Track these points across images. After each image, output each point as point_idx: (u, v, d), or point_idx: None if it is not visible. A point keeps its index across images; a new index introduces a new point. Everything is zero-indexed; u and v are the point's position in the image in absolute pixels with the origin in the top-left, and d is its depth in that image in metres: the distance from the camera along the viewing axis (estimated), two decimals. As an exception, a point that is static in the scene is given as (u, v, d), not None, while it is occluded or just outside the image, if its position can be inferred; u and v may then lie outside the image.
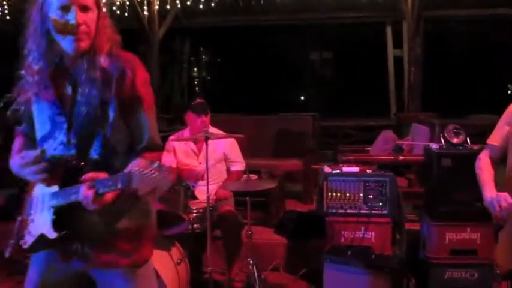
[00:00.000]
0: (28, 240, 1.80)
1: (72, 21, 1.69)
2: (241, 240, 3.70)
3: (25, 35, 1.80)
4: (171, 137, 3.78)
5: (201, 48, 12.53)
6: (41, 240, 1.76)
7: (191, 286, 3.49)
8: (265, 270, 4.21)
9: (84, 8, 1.73)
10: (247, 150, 6.21)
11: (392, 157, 4.55)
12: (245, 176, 3.67)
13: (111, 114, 1.77)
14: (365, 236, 3.71)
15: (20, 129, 1.92)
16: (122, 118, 1.79)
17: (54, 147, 1.80)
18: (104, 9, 1.83)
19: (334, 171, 3.84)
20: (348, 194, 3.76)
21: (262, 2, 7.95)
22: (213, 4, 8.07)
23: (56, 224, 1.74)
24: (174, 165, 4.12)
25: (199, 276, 3.83)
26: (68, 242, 1.79)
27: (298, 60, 11.37)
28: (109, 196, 1.63)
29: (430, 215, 3.70)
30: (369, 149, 5.17)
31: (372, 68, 9.83)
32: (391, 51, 8.96)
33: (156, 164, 1.48)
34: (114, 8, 8.20)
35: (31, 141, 1.90)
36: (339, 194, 3.78)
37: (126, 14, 8.25)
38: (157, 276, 3.06)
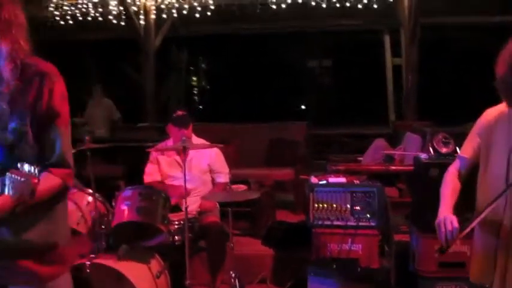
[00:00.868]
0: None
1: None
2: (226, 251, 3.62)
3: None
4: (152, 148, 3.70)
5: (200, 57, 12.51)
6: None
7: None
8: (252, 283, 4.13)
9: None
10: (238, 159, 6.15)
11: (382, 167, 4.46)
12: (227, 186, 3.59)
13: (19, 123, 1.68)
14: (352, 248, 3.63)
15: None
16: (33, 130, 1.70)
17: None
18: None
19: (320, 182, 3.77)
20: (334, 205, 3.68)
21: (258, 11, 7.91)
22: (209, 13, 8.05)
23: None
24: (158, 177, 4.06)
25: None
26: None
27: (296, 68, 11.33)
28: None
29: (417, 226, 3.60)
30: (360, 158, 5.09)
31: (370, 75, 9.77)
32: (389, 59, 8.90)
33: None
34: (110, 17, 8.22)
35: None
36: (325, 205, 3.70)
37: (122, 24, 8.24)
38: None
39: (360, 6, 7.45)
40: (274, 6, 7.75)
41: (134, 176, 4.53)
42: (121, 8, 7.89)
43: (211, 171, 4.13)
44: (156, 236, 3.30)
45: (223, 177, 4.12)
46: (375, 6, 7.40)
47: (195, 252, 3.79)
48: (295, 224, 4.41)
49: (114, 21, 8.22)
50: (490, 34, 7.56)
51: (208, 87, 13.00)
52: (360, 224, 3.62)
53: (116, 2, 7.93)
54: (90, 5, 8.14)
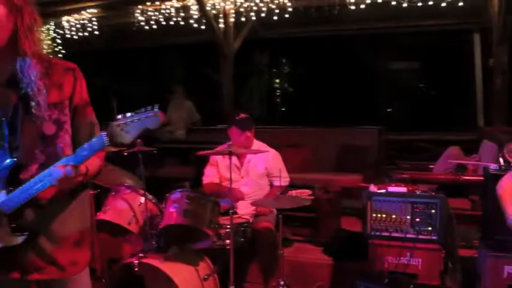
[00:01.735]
0: None
1: None
2: (277, 257, 3.53)
3: None
4: (200, 152, 3.68)
5: (283, 59, 12.50)
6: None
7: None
8: (307, 291, 4.02)
9: None
10: (308, 163, 6.05)
11: (451, 177, 4.14)
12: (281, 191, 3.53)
13: (59, 117, 1.83)
14: (411, 262, 3.41)
15: None
16: (71, 120, 1.86)
17: None
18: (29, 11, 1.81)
19: (379, 191, 3.58)
20: (393, 216, 3.49)
21: (336, 12, 7.71)
22: (287, 15, 7.99)
23: (15, 229, 1.77)
24: (216, 179, 4.09)
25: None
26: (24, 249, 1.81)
27: (379, 71, 10.93)
28: (83, 167, 1.72)
29: (486, 243, 3.30)
30: (432, 166, 4.77)
31: (458, 78, 9.18)
32: (478, 60, 8.30)
33: (130, 114, 1.61)
34: (191, 21, 8.43)
35: None
36: (384, 216, 3.51)
37: (202, 27, 8.41)
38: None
39: (443, 4, 6.99)
40: (352, 7, 7.51)
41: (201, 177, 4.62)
42: (201, 12, 8.05)
43: (268, 175, 4.08)
44: (204, 240, 3.30)
45: (281, 181, 4.05)
46: (461, 4, 6.91)
47: (247, 257, 3.76)
48: (355, 233, 4.22)
49: (195, 25, 8.41)
50: None
51: (291, 89, 12.94)
52: (420, 237, 3.40)
53: (197, 7, 8.11)
54: (172, 10, 8.39)
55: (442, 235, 3.37)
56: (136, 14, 8.47)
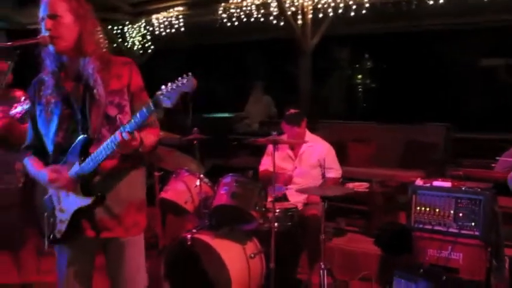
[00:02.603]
0: (61, 228, 2.25)
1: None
2: (320, 244, 3.72)
3: None
4: (248, 140, 4.00)
5: (365, 55, 12.44)
6: (76, 220, 2.22)
7: (268, 281, 3.61)
8: (354, 279, 4.18)
9: (53, 16, 2.13)
10: (372, 158, 6.13)
11: (503, 175, 4.05)
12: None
13: (120, 101, 2.22)
14: (451, 256, 3.46)
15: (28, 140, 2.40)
16: (129, 104, 2.23)
17: (66, 135, 2.22)
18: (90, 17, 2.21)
19: (424, 185, 3.66)
20: (437, 210, 3.55)
21: (413, 7, 7.63)
22: (364, 11, 8.03)
23: (85, 190, 2.18)
24: (271, 168, 4.34)
25: (287, 275, 3.97)
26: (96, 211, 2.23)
27: (466, 68, 10.54)
28: (137, 134, 2.05)
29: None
30: (495, 165, 4.66)
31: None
32: None
33: (170, 83, 1.92)
34: (271, 18, 8.72)
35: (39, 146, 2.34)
36: (427, 209, 3.59)
37: (281, 24, 8.67)
38: (223, 262, 3.34)
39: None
40: (431, 2, 7.40)
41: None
42: (280, 9, 8.30)
43: (321, 166, 4.27)
44: (250, 221, 3.60)
45: (333, 173, 4.24)
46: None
47: (294, 241, 3.99)
48: (404, 226, 4.30)
49: (274, 22, 8.68)
50: None
51: (373, 85, 12.84)
52: (462, 231, 3.44)
53: (276, 3, 8.38)
54: (253, 7, 8.72)
55: (486, 232, 3.38)
56: (219, 11, 8.93)
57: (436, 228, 3.52)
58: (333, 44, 10.81)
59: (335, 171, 4.26)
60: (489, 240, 3.41)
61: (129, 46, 9.81)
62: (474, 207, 3.42)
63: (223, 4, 8.85)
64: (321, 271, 3.51)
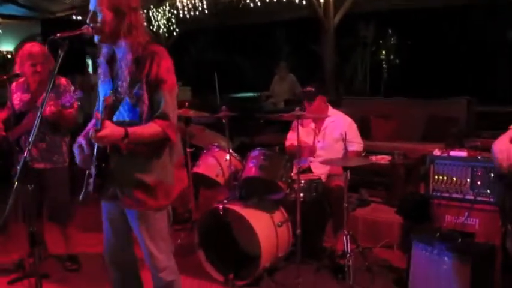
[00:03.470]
0: (91, 184, 2.48)
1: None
2: (344, 212, 3.95)
3: None
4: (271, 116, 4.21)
5: (390, 31, 12.43)
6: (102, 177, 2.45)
7: (295, 247, 3.86)
8: (376, 246, 4.42)
9: (95, 12, 2.35)
10: (395, 133, 6.30)
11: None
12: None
13: (138, 88, 2.38)
14: (468, 222, 3.66)
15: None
16: (147, 93, 2.37)
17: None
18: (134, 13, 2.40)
19: (441, 155, 3.84)
20: (454, 179, 3.74)
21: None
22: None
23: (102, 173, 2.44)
24: (295, 143, 4.59)
25: (313, 242, 4.23)
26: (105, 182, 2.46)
27: (494, 42, 10.47)
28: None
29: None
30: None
31: None
32: None
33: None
34: (294, -3, 8.83)
35: None
36: (445, 178, 3.78)
37: (304, 3, 8.79)
38: (252, 230, 3.62)
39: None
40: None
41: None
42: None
43: (343, 140, 4.49)
44: (277, 192, 3.86)
45: (355, 146, 4.44)
46: None
47: (320, 210, 4.24)
48: (424, 195, 4.49)
49: (297, 1, 8.81)
50: None
51: (397, 61, 12.85)
52: (478, 198, 3.62)
53: (299, -17, 8.49)
54: (276, -14, 8.87)
55: (501, 198, 3.56)
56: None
57: (454, 195, 3.70)
58: (356, 21, 10.86)
59: (357, 144, 4.46)
60: (504, 207, 3.58)
61: (154, 30, 10.09)
62: (489, 175, 3.59)
63: (245, -16, 9.02)
64: (345, 237, 3.75)
